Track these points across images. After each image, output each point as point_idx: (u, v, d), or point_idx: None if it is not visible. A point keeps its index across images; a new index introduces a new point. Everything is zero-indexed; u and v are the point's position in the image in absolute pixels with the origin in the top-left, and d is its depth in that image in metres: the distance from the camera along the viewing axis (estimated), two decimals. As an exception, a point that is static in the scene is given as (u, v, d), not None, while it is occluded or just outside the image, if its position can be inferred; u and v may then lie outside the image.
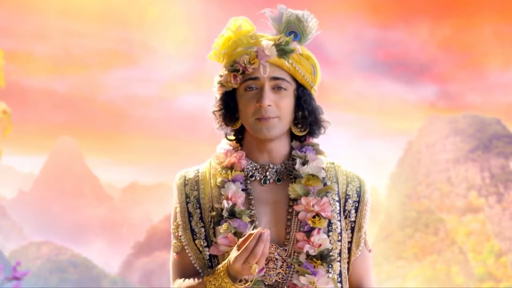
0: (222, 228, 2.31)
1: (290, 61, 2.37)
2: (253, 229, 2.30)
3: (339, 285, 2.38)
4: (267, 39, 2.38)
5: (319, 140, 2.48)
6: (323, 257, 2.32)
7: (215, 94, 2.44)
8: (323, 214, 2.34)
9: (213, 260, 2.36)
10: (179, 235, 2.41)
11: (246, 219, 2.32)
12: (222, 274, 2.24)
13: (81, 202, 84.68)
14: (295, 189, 2.36)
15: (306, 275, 2.30)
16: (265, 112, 2.33)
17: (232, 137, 2.45)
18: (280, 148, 2.42)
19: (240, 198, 2.35)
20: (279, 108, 2.35)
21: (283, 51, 2.36)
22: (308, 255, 2.31)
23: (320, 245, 2.32)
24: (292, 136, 2.45)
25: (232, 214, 2.33)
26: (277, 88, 2.35)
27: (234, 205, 2.33)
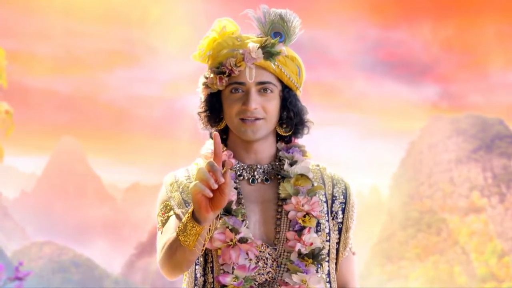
0: (219, 223, 2.30)
1: (276, 63, 2.37)
2: (245, 227, 2.31)
3: (328, 285, 2.39)
4: (253, 41, 2.38)
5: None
6: (315, 256, 2.33)
7: (200, 95, 2.45)
8: (313, 213, 2.35)
9: (207, 250, 2.35)
10: (175, 212, 2.37)
11: (240, 217, 2.32)
12: (187, 219, 2.17)
13: (83, 202, 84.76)
14: (285, 188, 2.37)
15: (298, 273, 2.31)
16: (251, 113, 2.34)
17: None
18: (266, 149, 2.43)
19: (234, 196, 2.36)
20: (265, 110, 2.36)
21: (269, 53, 2.37)
22: (299, 254, 2.32)
23: (311, 244, 2.32)
24: (278, 136, 2.47)
25: (227, 211, 2.33)
26: (263, 91, 2.36)
27: (231, 202, 2.34)
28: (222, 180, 2.09)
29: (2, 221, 66.91)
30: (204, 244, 2.19)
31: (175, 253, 2.22)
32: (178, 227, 2.19)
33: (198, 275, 2.36)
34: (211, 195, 2.09)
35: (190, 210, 2.16)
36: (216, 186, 2.09)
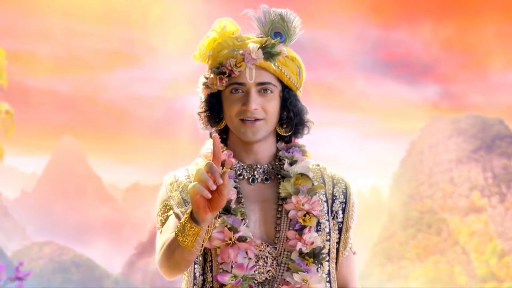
0: (218, 222, 2.30)
1: (276, 64, 2.37)
2: (245, 225, 2.32)
3: (328, 284, 2.39)
4: (253, 41, 2.38)
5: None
6: (315, 255, 2.33)
7: (200, 94, 2.45)
8: (313, 212, 2.35)
9: (206, 249, 2.36)
10: (175, 212, 2.38)
11: (239, 216, 2.33)
12: (186, 220, 2.16)
13: (83, 203, 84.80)
14: (286, 187, 2.37)
15: (299, 272, 2.31)
16: (251, 114, 2.34)
17: None
18: (266, 149, 2.43)
19: (233, 195, 2.36)
20: (265, 110, 2.36)
21: (269, 54, 2.37)
22: (300, 253, 2.32)
23: (312, 243, 2.33)
24: (278, 136, 2.47)
25: (226, 210, 2.33)
26: (263, 91, 2.37)
27: (230, 201, 2.34)
28: (221, 181, 2.08)
29: (3, 221, 66.95)
30: (202, 245, 2.19)
31: (173, 253, 2.21)
32: (177, 227, 2.19)
33: (197, 274, 2.36)
34: (209, 196, 2.08)
35: (188, 211, 2.15)
36: (214, 187, 2.08)
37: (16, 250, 60.55)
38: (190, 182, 2.41)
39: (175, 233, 2.19)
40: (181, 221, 2.18)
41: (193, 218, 2.14)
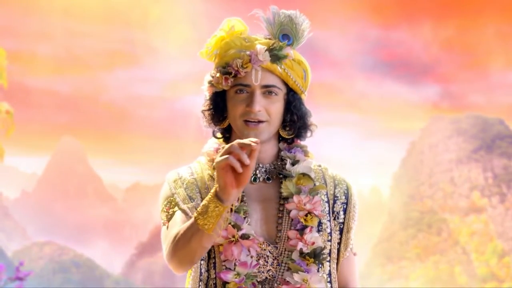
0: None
1: (282, 67, 2.38)
2: (247, 223, 2.32)
3: (328, 285, 2.40)
4: (260, 43, 2.38)
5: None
6: (316, 255, 2.34)
7: (205, 92, 2.46)
8: (315, 212, 2.36)
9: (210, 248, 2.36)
10: (181, 208, 2.37)
11: (242, 214, 2.33)
12: (210, 200, 2.16)
13: (84, 203, 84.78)
14: (287, 187, 2.38)
15: (299, 272, 2.31)
16: (255, 115, 2.35)
17: (220, 135, 2.48)
18: (268, 149, 2.44)
19: None
20: (268, 112, 2.37)
21: (276, 56, 2.37)
22: (301, 253, 2.33)
23: (313, 243, 2.33)
24: (280, 137, 2.48)
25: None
26: (267, 93, 2.37)
27: None
28: (255, 148, 2.10)
29: (3, 221, 66.95)
30: (221, 228, 2.19)
31: (189, 241, 2.21)
32: (197, 211, 2.18)
33: (203, 270, 2.37)
34: (241, 170, 2.10)
35: (212, 191, 2.16)
36: (248, 162, 2.10)
37: (16, 250, 60.54)
38: (194, 179, 2.42)
39: (195, 217, 2.18)
40: (203, 203, 2.18)
41: (217, 197, 2.14)
